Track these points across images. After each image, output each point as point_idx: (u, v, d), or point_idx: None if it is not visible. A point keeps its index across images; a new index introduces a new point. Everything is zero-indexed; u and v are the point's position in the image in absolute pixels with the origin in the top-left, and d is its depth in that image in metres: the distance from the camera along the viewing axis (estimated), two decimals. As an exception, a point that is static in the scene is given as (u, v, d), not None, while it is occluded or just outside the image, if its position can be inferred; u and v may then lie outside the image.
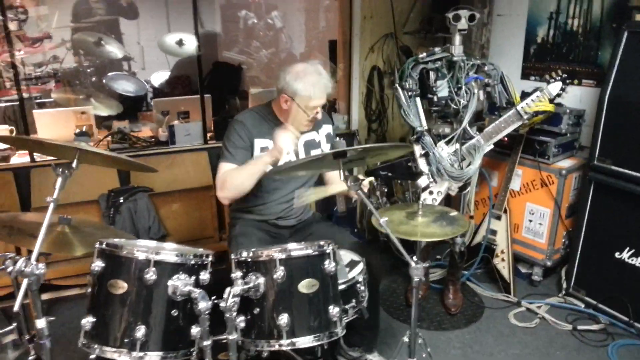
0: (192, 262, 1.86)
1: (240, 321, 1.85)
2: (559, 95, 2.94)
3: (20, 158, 3.41)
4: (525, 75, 3.89)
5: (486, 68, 3.00)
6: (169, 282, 1.79)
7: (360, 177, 2.32)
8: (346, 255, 2.39)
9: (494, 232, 3.45)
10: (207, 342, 1.77)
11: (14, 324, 1.78)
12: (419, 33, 4.22)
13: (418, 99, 3.02)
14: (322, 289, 1.90)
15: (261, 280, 1.85)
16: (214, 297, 1.76)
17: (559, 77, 2.91)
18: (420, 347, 2.23)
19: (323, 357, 2.34)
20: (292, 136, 2.33)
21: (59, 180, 1.84)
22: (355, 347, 2.66)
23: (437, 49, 3.02)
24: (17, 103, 3.62)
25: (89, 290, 1.84)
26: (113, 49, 4.83)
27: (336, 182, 2.72)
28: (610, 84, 3.00)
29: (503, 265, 3.42)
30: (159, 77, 5.82)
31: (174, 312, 1.82)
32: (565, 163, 3.36)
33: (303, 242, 1.96)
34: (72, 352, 2.50)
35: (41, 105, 4.38)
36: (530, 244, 3.48)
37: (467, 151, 2.98)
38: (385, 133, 4.38)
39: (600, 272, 3.19)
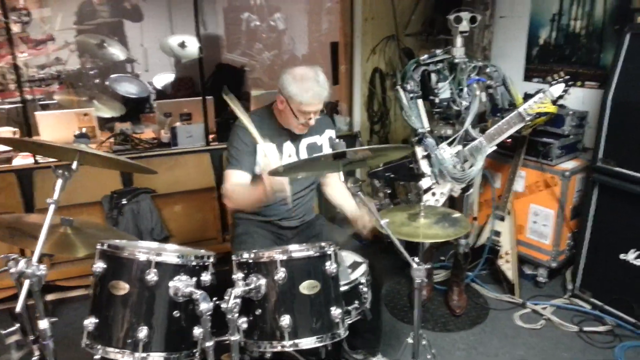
0: (194, 263, 1.86)
1: (243, 322, 1.85)
2: (561, 97, 2.92)
3: (23, 159, 3.43)
4: (527, 77, 3.88)
5: (488, 70, 2.99)
6: (170, 283, 1.79)
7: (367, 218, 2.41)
8: (349, 257, 2.39)
9: (498, 234, 3.44)
10: (209, 343, 1.77)
11: (17, 325, 1.78)
12: (421, 35, 4.22)
13: (420, 101, 3.01)
14: (323, 290, 1.89)
15: (262, 281, 1.84)
16: (215, 298, 1.76)
17: (562, 79, 2.90)
18: (424, 349, 2.22)
19: (327, 358, 2.33)
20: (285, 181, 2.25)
21: (59, 182, 1.84)
22: (358, 349, 2.65)
23: (438, 51, 3.02)
24: (21, 105, 3.64)
25: (92, 291, 1.84)
26: (115, 51, 4.85)
27: (336, 188, 2.72)
28: (613, 86, 3.00)
29: (507, 267, 3.41)
30: (162, 79, 5.84)
31: (176, 313, 1.81)
32: (569, 164, 3.35)
33: (304, 244, 1.96)
34: (76, 352, 2.48)
35: (44, 107, 4.40)
36: (534, 245, 3.47)
37: (469, 153, 2.97)
38: (388, 135, 4.37)
39: (606, 274, 3.18)
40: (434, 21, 4.13)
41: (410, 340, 2.17)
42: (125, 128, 3.89)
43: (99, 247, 1.84)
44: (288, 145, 2.55)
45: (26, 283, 1.67)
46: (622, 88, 2.97)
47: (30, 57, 4.86)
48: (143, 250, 1.82)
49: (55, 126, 3.66)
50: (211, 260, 1.93)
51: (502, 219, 3.42)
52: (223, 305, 1.73)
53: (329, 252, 1.94)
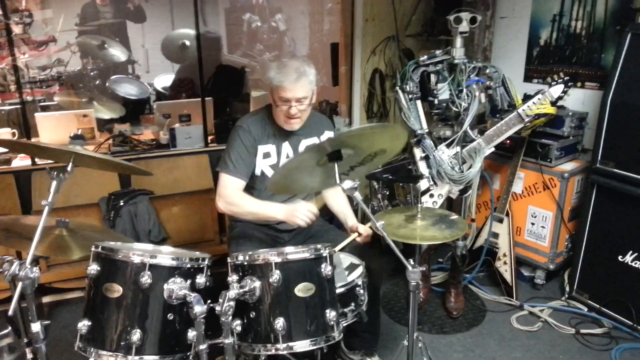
0: (188, 265, 1.86)
1: (237, 325, 1.85)
2: (560, 97, 2.92)
3: (21, 161, 3.43)
4: (528, 78, 3.87)
5: (487, 71, 2.98)
6: (165, 286, 1.79)
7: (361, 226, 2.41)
8: (346, 259, 2.38)
9: (495, 235, 3.43)
10: (203, 346, 1.76)
11: (9, 328, 1.78)
12: (421, 36, 4.21)
13: (419, 102, 3.01)
14: (318, 293, 1.88)
15: (257, 284, 1.84)
16: (209, 301, 1.76)
17: (561, 80, 2.89)
18: (420, 351, 2.22)
19: (322, 361, 2.33)
20: (310, 212, 2.34)
21: (54, 183, 1.84)
22: (356, 350, 2.65)
23: (438, 52, 3.01)
24: (20, 106, 3.65)
25: (86, 293, 1.84)
26: (116, 52, 4.86)
27: (334, 193, 2.71)
28: (613, 87, 2.98)
29: (505, 269, 3.40)
30: (163, 80, 5.83)
31: (170, 316, 1.81)
32: (568, 166, 3.34)
33: (300, 246, 1.95)
34: (71, 355, 2.50)
35: (45, 108, 4.40)
36: (532, 247, 3.46)
37: (467, 154, 2.97)
38: (387, 136, 4.35)
39: (603, 276, 3.16)
40: (434, 22, 4.12)
41: (406, 343, 2.16)
42: (124, 129, 3.89)
43: (93, 249, 1.84)
44: (286, 146, 2.55)
45: (19, 286, 1.66)
46: (622, 89, 2.95)
47: (31, 58, 4.86)
48: (137, 252, 1.82)
49: (54, 127, 3.66)
50: (206, 262, 1.93)
51: (500, 220, 3.41)
52: (217, 308, 1.73)
53: (324, 254, 1.93)
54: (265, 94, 4.32)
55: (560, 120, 3.29)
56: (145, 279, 1.76)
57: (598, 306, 3.18)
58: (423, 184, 3.00)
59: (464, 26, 2.94)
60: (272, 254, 1.87)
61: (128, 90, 4.90)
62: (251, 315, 1.86)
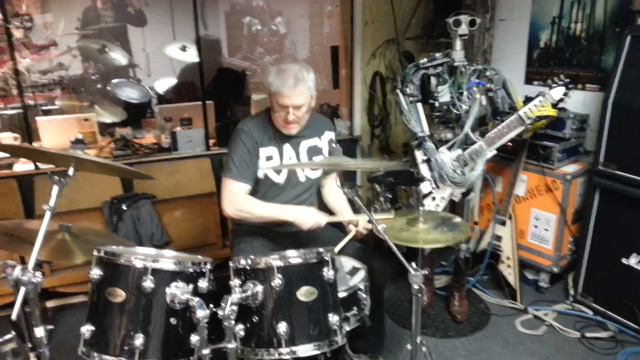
0: (191, 270, 1.85)
1: (239, 329, 1.84)
2: (561, 100, 2.91)
3: (24, 165, 3.43)
4: (528, 80, 3.87)
5: (488, 73, 2.98)
6: (167, 290, 1.78)
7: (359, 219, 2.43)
8: (348, 263, 2.38)
9: (499, 238, 3.43)
10: (206, 351, 1.76)
11: (13, 333, 1.77)
12: (421, 38, 4.22)
13: (419, 105, 3.01)
14: (321, 297, 1.88)
15: (259, 288, 1.84)
16: (212, 306, 1.76)
17: (562, 82, 2.89)
18: (424, 355, 2.21)
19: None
20: (319, 221, 2.39)
21: (55, 188, 1.83)
22: (362, 353, 2.64)
23: (438, 55, 3.01)
24: (22, 111, 3.65)
25: (89, 298, 1.84)
26: (117, 56, 4.86)
27: (332, 191, 2.72)
28: (614, 88, 2.98)
29: (509, 272, 3.39)
30: (164, 84, 5.84)
31: (173, 321, 1.81)
32: (570, 168, 3.34)
33: (302, 250, 1.95)
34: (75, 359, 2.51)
35: (46, 113, 4.41)
36: (536, 250, 3.45)
37: (469, 157, 2.96)
38: (388, 138, 4.36)
39: (608, 279, 3.15)
40: (433, 25, 4.13)
41: (409, 347, 2.16)
42: (125, 133, 3.89)
43: (95, 253, 1.84)
44: (288, 148, 2.55)
45: (22, 290, 1.66)
46: (622, 90, 2.95)
47: (32, 62, 4.86)
48: (140, 257, 1.82)
49: (56, 132, 3.66)
50: (208, 266, 1.92)
51: (503, 223, 3.40)
52: (219, 313, 1.72)
53: (326, 258, 1.93)
54: (266, 97, 4.33)
55: (562, 122, 3.29)
56: (148, 283, 1.76)
57: (603, 309, 3.17)
58: (425, 187, 3.00)
59: (464, 29, 2.94)
60: (274, 258, 1.87)
61: (129, 94, 4.89)
62: (254, 320, 1.86)
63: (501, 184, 3.58)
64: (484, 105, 3.02)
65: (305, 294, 1.85)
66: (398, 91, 3.01)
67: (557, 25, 3.63)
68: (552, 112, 2.92)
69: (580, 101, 3.51)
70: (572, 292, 3.36)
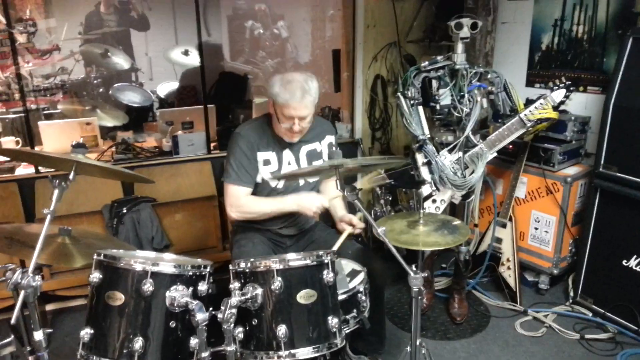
0: (190, 273, 1.86)
1: (239, 332, 1.85)
2: (562, 102, 2.92)
3: (25, 169, 3.44)
4: (530, 83, 3.87)
5: (489, 76, 2.98)
6: (167, 294, 1.79)
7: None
8: (347, 265, 2.38)
9: (499, 240, 3.42)
10: (205, 354, 1.76)
11: (12, 336, 1.78)
12: (423, 41, 4.22)
13: (420, 108, 3.00)
14: (320, 300, 1.88)
15: (259, 291, 1.84)
16: (211, 309, 1.76)
17: (563, 85, 2.90)
18: (424, 357, 2.21)
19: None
20: (322, 202, 2.43)
21: (56, 192, 1.84)
22: (362, 355, 2.64)
23: (439, 58, 3.01)
24: (24, 115, 3.66)
25: (88, 301, 1.84)
26: (119, 60, 4.88)
27: (329, 190, 2.73)
28: (616, 91, 2.98)
29: (509, 274, 3.39)
30: (166, 88, 5.86)
31: (172, 324, 1.81)
32: (571, 170, 3.33)
33: (301, 252, 1.95)
34: (74, 363, 2.52)
35: (48, 117, 4.42)
36: (536, 252, 3.45)
37: (470, 159, 2.96)
38: (389, 142, 4.37)
39: (607, 280, 3.15)
40: (435, 28, 4.13)
41: (409, 349, 2.16)
42: (127, 137, 3.90)
43: (95, 257, 1.84)
44: (287, 153, 2.55)
45: (21, 294, 1.66)
46: (624, 93, 2.95)
47: (35, 67, 4.88)
48: (139, 260, 1.82)
49: (57, 136, 3.68)
50: (208, 269, 1.93)
51: (503, 225, 3.40)
52: (219, 316, 1.73)
53: (326, 261, 1.93)
54: (268, 101, 4.33)
55: (563, 124, 3.29)
56: (147, 286, 1.76)
57: (603, 311, 3.16)
58: (425, 190, 3.00)
59: (465, 32, 2.94)
60: (273, 260, 1.87)
61: (131, 97, 4.91)
62: (253, 323, 1.86)
63: (502, 186, 3.58)
64: (485, 108, 3.03)
65: (304, 296, 1.86)
66: (399, 94, 3.01)
67: (559, 27, 3.62)
68: (553, 115, 2.92)
69: (582, 103, 3.50)
70: (571, 293, 3.36)
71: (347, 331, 2.08)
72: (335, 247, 2.33)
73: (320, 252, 1.93)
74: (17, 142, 3.75)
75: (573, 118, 3.30)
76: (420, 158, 3.00)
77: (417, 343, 2.13)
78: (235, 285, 1.87)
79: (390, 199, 3.83)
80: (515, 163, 3.38)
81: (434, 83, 3.00)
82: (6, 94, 4.43)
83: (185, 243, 3.58)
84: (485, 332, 3.14)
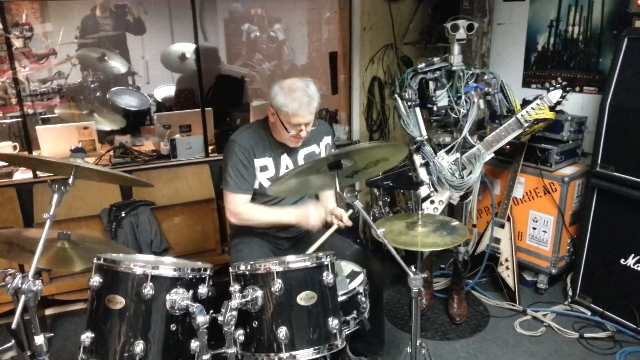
0: (190, 276, 1.86)
1: (239, 335, 1.85)
2: (559, 102, 2.93)
3: (23, 174, 3.44)
4: (526, 84, 3.88)
5: (486, 77, 2.99)
6: (167, 297, 1.79)
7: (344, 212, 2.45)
8: (347, 266, 2.38)
9: (497, 241, 3.43)
10: (206, 356, 1.77)
11: (13, 341, 1.78)
12: (419, 43, 4.23)
13: (417, 109, 3.02)
14: (321, 301, 1.89)
15: (259, 293, 1.85)
16: (212, 311, 1.76)
17: (559, 85, 2.91)
18: (424, 358, 2.21)
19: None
20: (321, 215, 2.45)
21: (55, 196, 1.84)
22: (362, 356, 2.64)
23: (436, 59, 3.03)
24: (21, 119, 3.67)
25: (88, 305, 1.84)
26: (116, 64, 4.88)
27: (328, 194, 2.74)
28: (612, 91, 3.00)
29: (507, 274, 3.40)
30: (163, 91, 5.86)
31: (173, 327, 1.81)
32: (568, 170, 3.35)
33: (301, 254, 1.96)
34: (74, 367, 2.52)
35: (46, 121, 4.42)
36: (534, 252, 3.46)
37: (467, 160, 2.98)
38: (387, 143, 4.38)
39: (606, 279, 3.16)
40: (431, 30, 4.15)
41: (409, 350, 2.16)
42: (125, 141, 3.90)
43: (95, 261, 1.85)
44: (285, 158, 2.55)
45: (22, 299, 1.67)
46: (620, 93, 2.97)
47: (32, 71, 4.88)
48: (139, 264, 1.82)
49: (55, 140, 3.68)
50: (208, 272, 1.93)
51: (501, 225, 3.41)
52: (219, 318, 1.73)
53: (326, 263, 1.94)
54: (265, 104, 4.33)
55: (560, 124, 3.31)
56: (148, 290, 1.76)
57: (601, 310, 3.18)
58: (423, 191, 3.01)
59: (462, 33, 2.95)
60: (273, 263, 1.87)
61: (128, 101, 4.92)
62: (254, 325, 1.86)
63: (499, 186, 3.59)
64: (482, 109, 3.04)
65: (305, 298, 1.86)
66: (396, 96, 3.02)
67: (554, 28, 3.64)
68: (550, 115, 2.93)
69: (578, 103, 3.52)
70: (570, 293, 3.37)
71: (347, 332, 2.08)
72: (320, 241, 2.36)
73: (320, 254, 1.94)
74: (15, 147, 3.75)
75: (569, 118, 3.32)
76: (418, 159, 3.02)
77: (417, 343, 2.13)
78: (235, 287, 1.87)
79: (388, 200, 3.84)
80: (512, 163, 3.39)
81: (431, 84, 3.01)
82: (3, 98, 4.43)
83: (184, 246, 3.57)
84: (485, 332, 3.15)
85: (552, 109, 2.93)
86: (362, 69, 4.15)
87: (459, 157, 2.97)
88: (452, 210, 3.19)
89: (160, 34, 6.43)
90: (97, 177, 2.19)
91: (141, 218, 3.35)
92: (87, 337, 1.78)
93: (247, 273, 1.89)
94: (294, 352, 1.84)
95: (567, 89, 2.93)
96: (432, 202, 3.01)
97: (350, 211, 2.46)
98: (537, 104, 2.89)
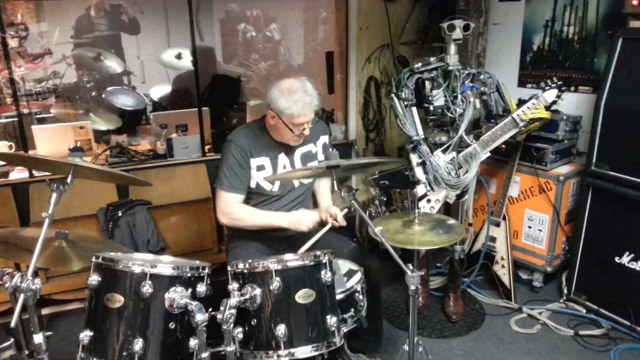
0: (189, 274, 1.86)
1: (238, 333, 1.86)
2: (554, 102, 2.95)
3: (19, 174, 3.43)
4: (522, 83, 3.90)
5: (482, 77, 3.02)
6: (166, 295, 1.80)
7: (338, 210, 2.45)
8: (344, 265, 2.40)
9: (493, 239, 3.45)
10: (205, 354, 1.77)
11: (12, 340, 1.78)
12: (415, 43, 4.25)
13: (414, 109, 3.03)
14: (319, 299, 1.90)
15: (257, 291, 1.85)
16: (210, 309, 1.77)
17: (555, 85, 2.93)
18: (421, 356, 2.23)
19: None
20: (314, 220, 2.45)
21: (54, 195, 1.85)
22: (359, 353, 2.65)
23: (432, 59, 3.04)
24: (17, 119, 3.66)
25: (87, 304, 1.84)
26: (112, 64, 4.87)
27: (325, 191, 2.76)
28: (606, 90, 3.02)
29: (503, 272, 3.41)
30: (159, 91, 5.85)
31: (172, 325, 1.82)
32: (563, 169, 3.37)
33: (299, 253, 1.97)
34: (72, 366, 2.52)
35: (41, 121, 4.40)
36: (530, 250, 3.48)
37: (463, 159, 2.99)
38: (383, 142, 4.39)
39: (600, 277, 3.18)
40: (427, 30, 4.16)
41: (406, 348, 2.18)
42: (121, 140, 3.90)
43: (94, 260, 1.85)
44: (282, 157, 2.56)
45: (21, 297, 1.67)
46: (615, 92, 2.99)
47: (27, 71, 4.87)
48: (138, 262, 1.83)
49: (51, 140, 3.67)
50: (206, 271, 1.94)
51: (497, 224, 3.42)
52: (218, 316, 1.74)
53: (324, 261, 1.95)
54: (262, 103, 4.35)
55: (555, 124, 3.33)
56: (147, 288, 1.77)
57: (596, 307, 3.20)
58: (420, 190, 3.02)
59: (458, 33, 2.97)
60: (272, 261, 1.88)
61: (124, 101, 4.91)
62: (252, 323, 1.87)
63: (495, 185, 3.61)
64: (478, 109, 3.06)
65: (303, 296, 1.87)
66: (393, 95, 3.03)
67: (549, 28, 3.66)
68: (545, 115, 2.95)
69: (573, 103, 3.54)
70: (565, 291, 3.39)
71: (345, 330, 2.09)
72: (314, 240, 2.37)
73: (318, 252, 1.95)
74: (11, 147, 3.74)
75: (565, 117, 3.34)
76: (414, 158, 3.03)
77: (414, 341, 2.14)
78: (234, 286, 1.88)
79: (384, 199, 3.85)
80: (508, 162, 3.41)
81: (427, 84, 3.03)
82: (-2, 98, 4.42)
83: (180, 245, 3.58)
84: (481, 329, 3.16)
85: (547, 108, 2.95)
86: (359, 69, 4.16)
87: (455, 156, 2.99)
88: (448, 209, 3.21)
89: (156, 33, 6.43)
90: (96, 176, 2.19)
91: (138, 217, 3.35)
92: (85, 335, 1.78)
93: (246, 271, 1.90)
94: (292, 350, 1.85)
95: (563, 88, 2.95)
96: (429, 201, 3.03)
97: (345, 210, 2.47)
98: (533, 104, 2.91)
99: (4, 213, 3.24)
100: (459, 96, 2.98)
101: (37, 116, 4.51)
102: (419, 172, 3.02)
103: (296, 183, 2.62)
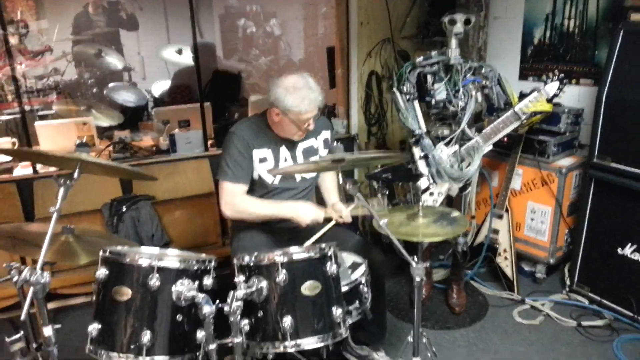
0: (195, 267, 1.88)
1: (245, 324, 1.87)
2: (556, 95, 2.95)
3: (23, 170, 3.44)
4: (523, 76, 3.91)
5: (483, 70, 3.02)
6: (173, 288, 1.81)
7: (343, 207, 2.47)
8: (348, 257, 2.41)
9: (496, 232, 3.47)
10: (212, 346, 1.79)
11: (21, 333, 1.80)
12: (416, 37, 4.25)
13: (416, 102, 3.04)
14: (324, 291, 1.91)
15: (264, 283, 1.86)
16: (217, 301, 1.78)
17: (556, 77, 2.93)
18: (425, 347, 2.24)
19: (328, 358, 2.35)
20: (317, 217, 2.45)
21: (61, 190, 1.86)
22: (364, 345, 2.67)
23: (433, 53, 3.04)
24: (19, 116, 3.67)
25: (94, 297, 1.86)
26: (113, 60, 4.89)
27: (330, 187, 2.76)
28: (607, 83, 3.02)
29: (506, 264, 3.43)
30: (160, 87, 5.86)
31: (179, 317, 1.83)
32: (565, 161, 3.38)
33: (304, 245, 1.98)
34: (79, 359, 2.53)
35: (43, 117, 4.42)
36: (532, 242, 3.50)
37: (466, 152, 3.00)
38: (385, 136, 4.40)
39: (603, 268, 3.20)
40: (428, 24, 4.16)
41: (410, 339, 2.19)
42: (124, 136, 3.90)
43: (101, 253, 1.86)
44: (284, 150, 2.57)
45: (30, 291, 1.68)
46: (616, 85, 3.00)
47: (28, 68, 4.88)
48: (145, 255, 1.85)
49: (54, 136, 3.68)
50: (212, 264, 1.95)
51: (499, 217, 3.44)
52: (225, 308, 1.75)
53: (329, 253, 1.96)
54: (263, 98, 4.35)
55: (557, 116, 3.34)
56: (154, 281, 1.78)
57: (599, 298, 3.22)
58: (423, 183, 3.03)
59: (459, 27, 2.97)
60: (277, 254, 1.89)
61: (126, 97, 4.92)
62: (259, 315, 1.88)
63: (497, 178, 3.62)
64: (479, 102, 3.06)
65: (309, 288, 1.88)
66: (395, 90, 3.04)
67: (550, 21, 3.67)
68: (547, 107, 2.96)
69: (575, 96, 3.55)
70: (568, 282, 3.41)
71: (350, 322, 2.10)
72: (318, 235, 2.38)
73: (323, 245, 1.96)
74: (14, 144, 3.75)
75: (566, 110, 3.35)
76: (417, 152, 3.04)
77: (419, 332, 2.16)
78: (240, 278, 1.89)
79: (387, 193, 3.86)
80: (510, 155, 3.41)
81: (429, 78, 3.03)
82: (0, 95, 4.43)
83: (185, 240, 3.59)
84: (484, 321, 3.18)
85: (549, 101, 2.95)
86: (360, 64, 4.17)
87: (458, 149, 3.00)
88: (451, 202, 3.21)
89: (156, 30, 6.44)
90: (102, 171, 2.21)
91: (142, 212, 3.37)
92: (94, 328, 1.80)
93: (252, 264, 1.91)
94: (298, 341, 1.86)
95: (564, 81, 2.95)
96: (431, 194, 3.03)
97: (352, 207, 2.47)
98: (535, 97, 2.91)
99: (8, 209, 3.26)
100: (461, 90, 2.98)
101: (39, 113, 4.52)
102: (421, 166, 3.03)
103: (298, 177, 2.63)
